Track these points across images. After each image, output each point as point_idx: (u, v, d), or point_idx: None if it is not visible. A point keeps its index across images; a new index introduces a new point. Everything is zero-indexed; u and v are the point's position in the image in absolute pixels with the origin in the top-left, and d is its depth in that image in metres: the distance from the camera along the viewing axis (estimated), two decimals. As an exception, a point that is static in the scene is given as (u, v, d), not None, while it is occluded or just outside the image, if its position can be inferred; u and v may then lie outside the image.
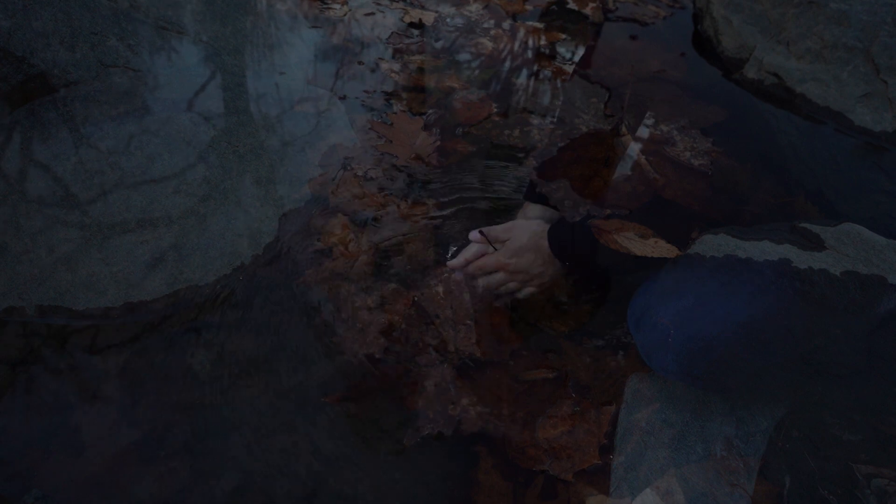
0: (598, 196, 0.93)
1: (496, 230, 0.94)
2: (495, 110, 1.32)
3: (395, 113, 1.30)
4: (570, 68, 1.46)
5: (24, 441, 0.80)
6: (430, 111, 1.31)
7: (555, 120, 1.31)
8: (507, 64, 1.47)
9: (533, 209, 1.01)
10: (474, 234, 0.94)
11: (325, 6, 1.59)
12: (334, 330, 0.93)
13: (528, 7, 1.69)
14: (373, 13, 1.60)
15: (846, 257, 0.76)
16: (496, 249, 0.93)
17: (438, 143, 1.23)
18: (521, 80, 1.43)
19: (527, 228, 0.93)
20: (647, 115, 1.08)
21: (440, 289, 0.99)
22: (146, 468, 0.79)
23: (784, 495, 0.74)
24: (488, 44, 1.53)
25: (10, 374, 0.86)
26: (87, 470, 0.78)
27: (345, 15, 1.58)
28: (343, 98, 1.32)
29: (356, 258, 1.02)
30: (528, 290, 0.94)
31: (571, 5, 1.70)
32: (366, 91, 1.35)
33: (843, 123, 1.06)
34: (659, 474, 0.77)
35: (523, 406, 0.86)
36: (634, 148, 0.96)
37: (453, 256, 0.98)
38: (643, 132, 1.03)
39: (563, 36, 1.58)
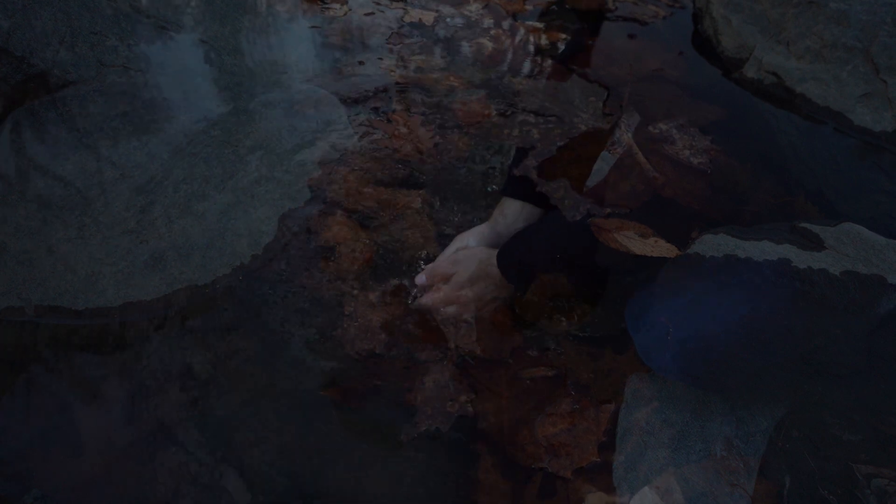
0: (598, 196, 0.93)
1: (441, 266, 0.95)
2: (495, 110, 1.32)
3: (395, 111, 1.30)
4: (570, 68, 1.46)
5: (24, 441, 0.80)
6: (430, 110, 1.31)
7: (554, 119, 1.31)
8: (507, 63, 1.47)
9: (510, 205, 1.01)
10: (420, 278, 0.96)
11: (324, 6, 1.59)
12: (335, 326, 0.93)
13: (528, 7, 1.69)
14: (373, 13, 1.60)
15: (846, 257, 0.76)
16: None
17: (437, 140, 1.24)
18: (521, 79, 1.43)
19: (473, 258, 0.93)
20: (645, 113, 1.08)
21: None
22: (146, 468, 0.79)
23: (784, 495, 0.74)
24: (488, 44, 1.53)
25: (10, 374, 0.86)
26: (87, 470, 0.78)
27: (344, 15, 1.58)
28: (343, 97, 1.32)
29: (356, 255, 1.02)
30: (485, 314, 0.94)
31: (571, 5, 1.69)
32: (366, 90, 1.35)
33: (842, 123, 1.06)
34: (658, 474, 0.77)
35: (523, 404, 0.86)
36: (634, 147, 0.95)
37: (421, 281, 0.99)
38: (641, 130, 1.03)
39: (563, 36, 1.58)
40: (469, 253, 0.95)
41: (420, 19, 1.59)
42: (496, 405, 0.86)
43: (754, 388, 0.83)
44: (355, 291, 0.98)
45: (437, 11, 1.63)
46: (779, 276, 0.74)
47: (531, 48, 1.53)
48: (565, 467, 0.79)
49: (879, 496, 0.72)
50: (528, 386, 0.88)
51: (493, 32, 1.57)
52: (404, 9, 1.63)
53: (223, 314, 0.94)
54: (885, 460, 0.75)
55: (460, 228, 1.08)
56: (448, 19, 1.61)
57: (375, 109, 1.30)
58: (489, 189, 1.15)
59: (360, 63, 1.43)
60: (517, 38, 1.56)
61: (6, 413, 0.82)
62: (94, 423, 0.82)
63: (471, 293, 0.91)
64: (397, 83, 1.38)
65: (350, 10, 1.60)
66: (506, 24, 1.61)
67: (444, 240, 1.06)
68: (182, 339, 0.91)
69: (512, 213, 1.00)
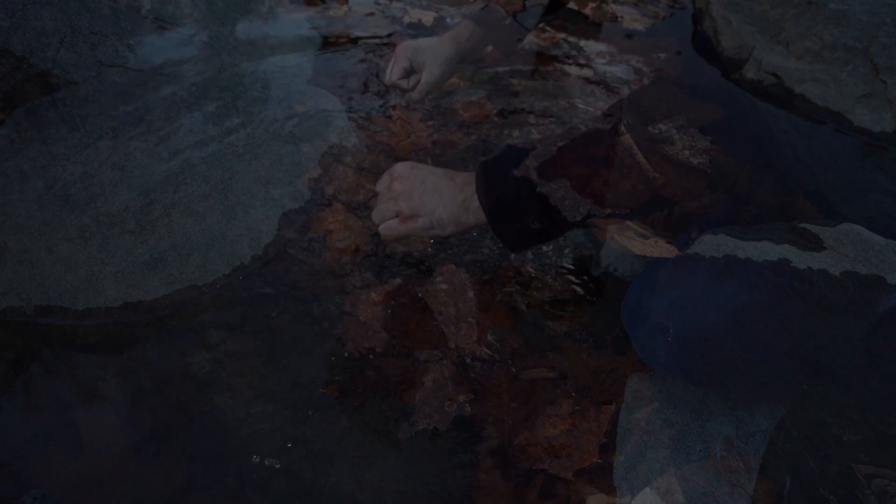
0: (598, 196, 0.93)
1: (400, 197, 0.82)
2: (495, 110, 1.32)
3: (395, 107, 1.30)
4: (569, 68, 1.46)
5: (23, 441, 0.80)
6: (429, 108, 1.31)
7: (554, 120, 1.32)
8: (507, 64, 1.47)
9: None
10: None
11: (325, 6, 1.60)
12: (335, 324, 0.93)
13: (528, 7, 1.69)
14: (373, 13, 1.60)
15: (845, 257, 0.76)
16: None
17: (436, 138, 1.24)
18: (521, 79, 1.43)
19: (421, 183, 0.79)
20: (645, 113, 1.08)
21: (444, 285, 0.99)
22: (146, 468, 0.79)
23: (784, 495, 0.75)
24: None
25: (10, 374, 0.86)
26: (87, 470, 0.78)
27: (345, 15, 1.58)
28: (343, 97, 1.32)
29: (357, 254, 1.02)
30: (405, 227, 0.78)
31: (572, 5, 1.69)
32: (365, 89, 1.35)
33: (842, 124, 1.06)
34: (659, 474, 0.77)
35: (523, 405, 0.86)
36: (634, 147, 0.95)
37: None
38: (642, 131, 1.03)
39: (563, 36, 1.58)
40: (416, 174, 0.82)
41: (420, 19, 1.59)
42: (496, 406, 0.86)
43: (752, 385, 0.83)
44: (356, 290, 0.98)
45: (436, 12, 1.63)
46: (775, 272, 0.74)
47: (531, 48, 1.53)
48: (566, 468, 0.79)
49: (879, 496, 0.72)
50: (529, 387, 0.88)
51: (492, 33, 1.57)
52: (404, 9, 1.63)
53: (223, 314, 0.94)
54: (885, 460, 0.75)
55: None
56: (448, 19, 1.61)
57: (375, 108, 1.31)
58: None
59: (360, 62, 1.43)
60: (517, 39, 1.56)
61: (6, 413, 0.82)
62: (93, 423, 0.82)
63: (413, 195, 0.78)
64: (396, 83, 1.38)
65: (350, 10, 1.60)
66: (506, 24, 1.61)
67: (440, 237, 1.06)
68: (182, 339, 0.91)
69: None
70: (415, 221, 0.79)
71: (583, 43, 1.55)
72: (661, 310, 0.77)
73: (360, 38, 1.51)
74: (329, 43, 1.48)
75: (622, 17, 1.63)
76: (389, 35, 1.53)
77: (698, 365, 0.77)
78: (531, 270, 1.03)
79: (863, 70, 1.07)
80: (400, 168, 0.83)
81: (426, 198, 0.78)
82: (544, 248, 1.06)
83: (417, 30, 1.56)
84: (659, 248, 0.82)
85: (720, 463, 0.78)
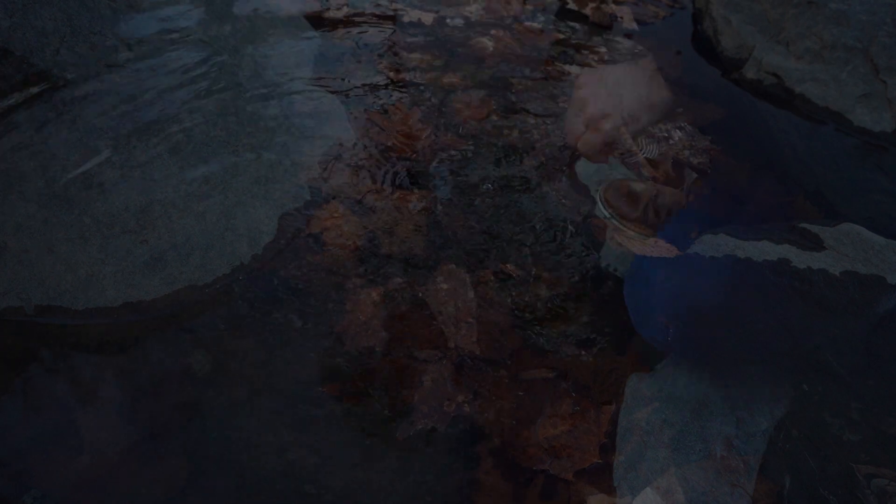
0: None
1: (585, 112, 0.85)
2: (494, 109, 1.32)
3: (394, 108, 1.30)
4: (569, 67, 1.46)
5: (23, 441, 0.80)
6: (428, 108, 1.31)
7: (554, 119, 1.32)
8: (507, 64, 1.47)
9: None
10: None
11: (325, 6, 1.60)
12: (335, 323, 0.93)
13: (528, 7, 1.69)
14: (373, 13, 1.60)
15: (845, 257, 0.76)
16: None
17: (434, 137, 1.24)
18: (521, 79, 1.43)
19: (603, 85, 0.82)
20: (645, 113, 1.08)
21: (444, 285, 0.99)
22: (145, 468, 0.79)
23: (784, 495, 0.75)
24: (488, 43, 1.53)
25: (10, 373, 0.86)
26: (87, 470, 0.78)
27: (344, 15, 1.58)
28: (342, 96, 1.32)
29: (358, 254, 1.02)
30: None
31: (571, 5, 1.69)
32: (365, 89, 1.35)
33: (842, 123, 1.06)
34: (659, 473, 0.77)
35: (523, 405, 0.86)
36: (634, 147, 0.96)
37: None
38: (641, 131, 1.03)
39: (563, 36, 1.58)
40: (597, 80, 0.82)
41: (420, 19, 1.59)
42: (496, 407, 0.86)
43: (751, 378, 0.82)
44: (356, 289, 0.98)
45: (436, 12, 1.63)
46: (775, 272, 0.75)
47: (530, 48, 1.53)
48: (567, 469, 0.79)
49: (879, 496, 0.72)
50: (529, 387, 0.88)
51: (493, 32, 1.57)
52: (404, 9, 1.63)
53: (223, 314, 0.94)
54: (885, 460, 0.75)
55: (456, 222, 1.08)
56: (448, 19, 1.61)
57: (374, 107, 1.31)
58: (484, 187, 1.15)
59: (359, 62, 1.43)
60: (517, 39, 1.56)
61: (6, 413, 0.82)
62: (94, 423, 0.82)
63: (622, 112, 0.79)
64: (396, 82, 1.38)
65: (350, 9, 1.60)
66: (506, 24, 1.61)
67: (438, 233, 1.06)
68: (182, 338, 0.91)
69: None
70: (605, 125, 0.76)
71: (583, 43, 1.55)
72: (661, 310, 0.78)
73: (359, 37, 1.51)
74: (329, 43, 1.48)
75: (622, 17, 1.63)
76: (389, 35, 1.53)
77: (692, 333, 0.77)
78: (531, 271, 1.03)
79: (863, 70, 1.07)
80: (581, 77, 0.79)
81: (609, 96, 0.75)
82: (544, 248, 1.06)
83: (417, 29, 1.56)
84: (659, 247, 0.82)
85: (720, 463, 0.77)
